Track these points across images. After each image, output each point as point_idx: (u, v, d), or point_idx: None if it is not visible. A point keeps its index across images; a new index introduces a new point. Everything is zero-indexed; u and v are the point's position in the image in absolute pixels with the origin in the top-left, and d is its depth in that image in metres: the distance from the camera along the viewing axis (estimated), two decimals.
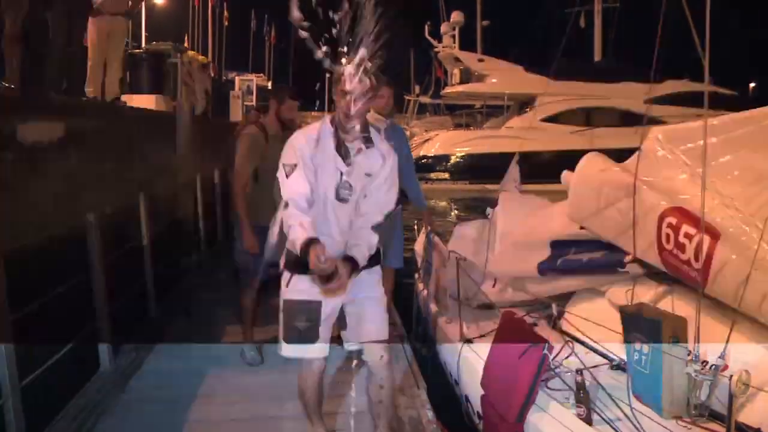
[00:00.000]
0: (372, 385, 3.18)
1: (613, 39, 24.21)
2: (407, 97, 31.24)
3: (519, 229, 4.86)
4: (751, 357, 2.95)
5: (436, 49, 25.11)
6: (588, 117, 21.76)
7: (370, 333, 3.10)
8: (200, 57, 13.09)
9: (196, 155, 8.66)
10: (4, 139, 3.87)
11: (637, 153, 3.75)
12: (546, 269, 4.37)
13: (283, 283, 3.09)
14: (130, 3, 7.62)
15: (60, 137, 4.56)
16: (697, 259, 3.14)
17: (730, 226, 3.11)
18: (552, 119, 21.35)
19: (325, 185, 2.94)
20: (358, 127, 2.90)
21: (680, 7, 3.39)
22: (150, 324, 5.58)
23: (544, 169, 9.79)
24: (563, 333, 4.12)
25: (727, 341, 2.87)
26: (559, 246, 4.34)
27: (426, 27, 26.01)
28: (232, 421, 3.81)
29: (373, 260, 3.06)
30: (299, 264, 2.90)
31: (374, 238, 2.94)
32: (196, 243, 8.44)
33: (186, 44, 15.55)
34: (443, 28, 25.02)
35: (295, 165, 2.91)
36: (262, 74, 28.00)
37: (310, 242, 2.72)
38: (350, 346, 3.17)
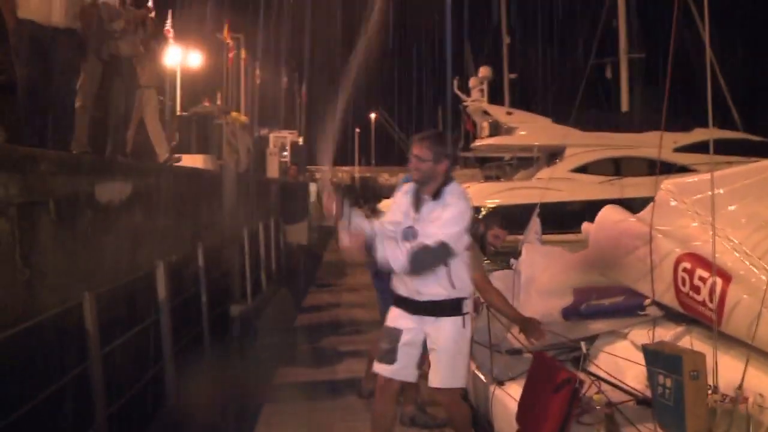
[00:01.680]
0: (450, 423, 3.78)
1: (641, 89, 24.39)
2: None
3: (542, 278, 5.06)
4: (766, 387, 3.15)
5: (465, 103, 25.50)
6: (617, 166, 21.80)
7: (437, 380, 3.62)
8: (242, 117, 13.71)
9: (242, 209, 9.16)
10: (85, 199, 4.37)
11: (651, 204, 4.02)
12: (570, 314, 4.58)
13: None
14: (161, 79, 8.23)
15: (128, 196, 5.06)
16: (711, 300, 3.38)
17: (740, 269, 3.35)
18: (581, 169, 21.45)
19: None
20: (426, 184, 3.52)
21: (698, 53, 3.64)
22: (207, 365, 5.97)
23: (575, 219, 9.94)
24: (589, 373, 4.24)
25: (744, 374, 3.07)
26: (581, 292, 4.56)
27: (455, 82, 26.53)
28: None
29: (455, 309, 3.61)
30: (396, 298, 3.59)
31: (400, 249, 3.40)
32: (243, 291, 8.85)
33: (219, 101, 16.12)
34: (472, 82, 25.41)
35: (385, 213, 3.68)
36: (294, 131, 28.60)
37: None
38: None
